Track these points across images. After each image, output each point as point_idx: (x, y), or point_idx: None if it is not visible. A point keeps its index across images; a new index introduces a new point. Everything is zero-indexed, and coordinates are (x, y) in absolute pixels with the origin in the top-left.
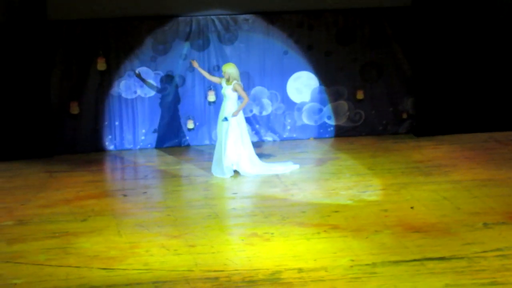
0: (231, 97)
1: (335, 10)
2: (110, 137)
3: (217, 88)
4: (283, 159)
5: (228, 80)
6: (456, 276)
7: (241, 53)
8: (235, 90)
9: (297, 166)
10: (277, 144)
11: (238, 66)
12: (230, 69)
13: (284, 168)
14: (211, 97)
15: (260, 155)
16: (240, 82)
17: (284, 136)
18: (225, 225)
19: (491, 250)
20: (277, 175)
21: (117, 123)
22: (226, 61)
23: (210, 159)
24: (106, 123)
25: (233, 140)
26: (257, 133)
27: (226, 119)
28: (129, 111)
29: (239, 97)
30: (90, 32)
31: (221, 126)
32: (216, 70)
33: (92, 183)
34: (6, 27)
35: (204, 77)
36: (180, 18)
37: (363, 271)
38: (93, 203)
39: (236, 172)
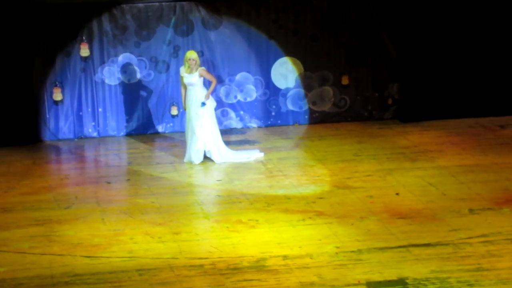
0: (198, 84)
1: None
2: (93, 123)
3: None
4: (268, 145)
5: (189, 68)
6: (441, 262)
7: (225, 39)
8: (201, 75)
9: (262, 154)
10: (262, 131)
11: (223, 52)
12: (195, 55)
13: (249, 155)
14: None
15: (246, 142)
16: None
17: (269, 122)
18: (210, 212)
19: (477, 236)
20: (262, 161)
21: (100, 109)
22: (210, 46)
23: None
24: (89, 109)
25: (210, 125)
26: (241, 119)
27: (204, 104)
28: (112, 98)
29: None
30: (73, 17)
31: (193, 113)
32: (200, 56)
33: (75, 170)
34: None
35: None
36: (164, 4)
37: (348, 257)
38: (76, 190)
39: (205, 158)
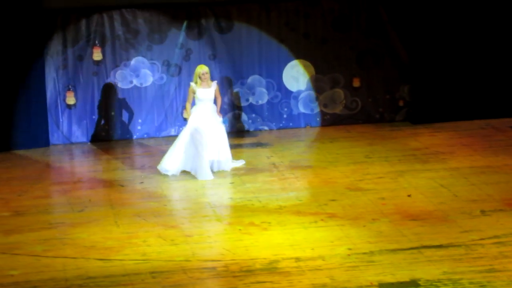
0: (212, 98)
1: None
2: (106, 127)
3: (213, 77)
4: (280, 148)
5: (204, 82)
6: (454, 264)
7: (237, 42)
8: (215, 90)
9: (243, 162)
10: (273, 133)
11: (234, 55)
12: (207, 68)
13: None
14: None
15: (257, 144)
16: None
17: (281, 125)
18: (222, 215)
19: (489, 238)
20: (274, 164)
21: (113, 113)
22: (222, 50)
23: None
24: (102, 113)
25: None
26: (253, 122)
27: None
28: (125, 101)
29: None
30: (86, 21)
31: (210, 128)
32: (211, 59)
33: (89, 173)
34: (0, 15)
35: None
36: (176, 7)
37: (360, 259)
38: (90, 193)
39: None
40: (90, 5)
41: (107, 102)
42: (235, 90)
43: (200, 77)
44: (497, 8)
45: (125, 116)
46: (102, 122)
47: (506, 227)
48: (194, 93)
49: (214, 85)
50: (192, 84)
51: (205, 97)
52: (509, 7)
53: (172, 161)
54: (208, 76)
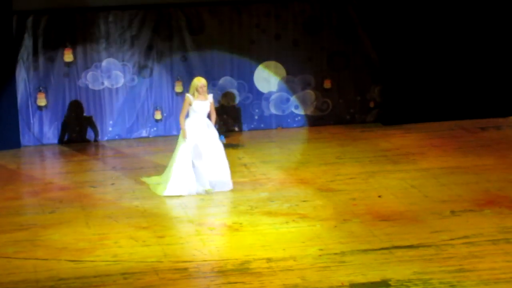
0: (207, 112)
1: None
2: (77, 128)
3: (184, 79)
4: (251, 149)
5: (201, 95)
6: (424, 264)
7: (208, 43)
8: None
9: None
10: (245, 134)
11: (205, 56)
12: (205, 81)
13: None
14: (179, 87)
15: (229, 146)
16: None
17: (252, 126)
18: (194, 216)
19: (459, 238)
20: (245, 165)
21: (84, 114)
22: (193, 51)
23: None
24: (73, 114)
25: None
26: (225, 123)
27: (223, 137)
28: (96, 103)
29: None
30: (57, 23)
31: (207, 142)
32: (182, 61)
33: (60, 174)
34: None
35: (172, 68)
36: (147, 8)
37: (332, 260)
38: (61, 195)
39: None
40: (61, 7)
41: (78, 104)
42: None
43: (197, 90)
44: (466, 10)
45: (96, 117)
46: (73, 123)
47: (475, 227)
48: (190, 105)
49: (210, 98)
50: (189, 95)
51: (201, 110)
52: (478, 9)
53: (185, 182)
54: (206, 89)
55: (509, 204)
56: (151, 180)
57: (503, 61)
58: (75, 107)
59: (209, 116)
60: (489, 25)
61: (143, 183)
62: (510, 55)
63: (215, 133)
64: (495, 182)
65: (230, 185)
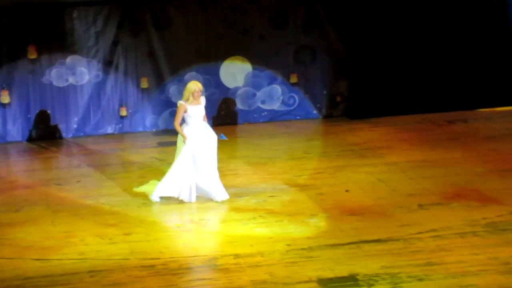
0: (203, 115)
1: None
2: (42, 126)
3: (149, 75)
4: (218, 144)
5: (196, 99)
6: (392, 258)
7: (174, 39)
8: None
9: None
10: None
11: (172, 52)
12: (201, 85)
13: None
14: (144, 83)
15: None
16: None
17: (219, 121)
18: (161, 212)
19: (426, 231)
20: None
21: (49, 111)
22: (159, 46)
23: (145, 146)
24: (37, 111)
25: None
26: None
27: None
28: (61, 100)
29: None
30: (20, 19)
31: (208, 147)
32: (148, 56)
33: (25, 172)
34: None
35: (137, 64)
36: (112, 4)
37: (299, 255)
38: (26, 193)
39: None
40: (24, 2)
41: (43, 101)
42: (172, 87)
43: (193, 95)
44: (432, 5)
45: (61, 114)
46: (38, 121)
47: (443, 220)
48: (185, 111)
49: (203, 101)
50: (182, 102)
51: (197, 114)
52: (444, 4)
53: (171, 185)
54: (201, 93)
55: (476, 197)
56: (148, 189)
57: (469, 54)
58: (40, 104)
59: None
60: (455, 18)
61: (109, 180)
62: (476, 49)
63: (213, 135)
64: (462, 175)
65: (218, 196)
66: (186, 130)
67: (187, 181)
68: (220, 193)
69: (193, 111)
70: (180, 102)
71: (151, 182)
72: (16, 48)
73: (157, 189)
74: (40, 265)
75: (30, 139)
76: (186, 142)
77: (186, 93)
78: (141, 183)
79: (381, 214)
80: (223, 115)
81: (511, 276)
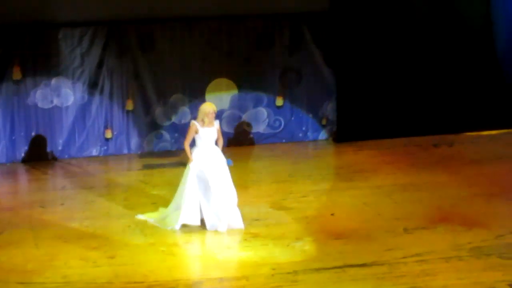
0: (215, 139)
1: (254, 16)
2: (26, 148)
3: (134, 97)
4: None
5: (209, 122)
6: (377, 282)
7: (159, 60)
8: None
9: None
10: None
11: (158, 74)
12: (215, 107)
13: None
14: (129, 105)
15: (180, 164)
16: None
17: None
18: (145, 235)
19: (411, 256)
20: None
21: (33, 133)
22: (144, 68)
23: (130, 168)
24: (22, 133)
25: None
26: (176, 141)
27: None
28: (46, 121)
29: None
30: (5, 40)
31: (219, 171)
32: (134, 78)
33: (8, 194)
34: None
35: (122, 85)
36: (98, 26)
37: (284, 279)
38: (9, 215)
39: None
40: (8, 23)
41: (27, 122)
42: (158, 109)
43: (207, 116)
44: (418, 28)
45: (46, 136)
46: (22, 142)
47: (428, 244)
48: (197, 133)
49: (217, 124)
50: (196, 122)
51: (209, 138)
52: (430, 28)
53: (192, 213)
54: (215, 115)
55: (461, 221)
56: (154, 215)
57: (455, 78)
58: (24, 125)
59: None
60: (441, 42)
61: (93, 202)
62: (462, 72)
63: (223, 160)
64: (448, 199)
65: (224, 226)
66: (195, 152)
67: (193, 204)
68: (235, 221)
69: (204, 133)
70: (193, 122)
71: (159, 210)
72: (1, 69)
73: (180, 219)
74: None
75: (13, 161)
76: (190, 165)
77: (200, 115)
78: (126, 206)
79: (366, 238)
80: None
81: None
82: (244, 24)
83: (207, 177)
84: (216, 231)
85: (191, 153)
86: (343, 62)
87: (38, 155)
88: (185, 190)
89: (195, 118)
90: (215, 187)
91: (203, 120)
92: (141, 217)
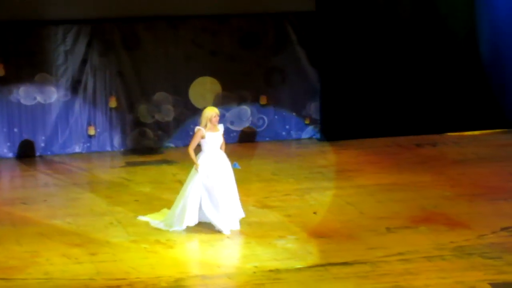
0: (220, 143)
1: (239, 15)
2: (8, 144)
3: (118, 94)
4: (186, 165)
5: (214, 126)
6: (359, 281)
7: (143, 59)
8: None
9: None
10: (180, 150)
11: (141, 71)
12: (218, 110)
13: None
14: (113, 103)
15: (164, 162)
16: None
17: (187, 142)
18: (128, 232)
19: (394, 255)
20: (179, 181)
21: (16, 130)
22: (128, 66)
23: (113, 165)
24: (4, 130)
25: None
26: (159, 139)
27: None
28: (28, 118)
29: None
30: None
31: (226, 175)
32: (117, 76)
33: None
34: None
35: (106, 83)
36: (82, 23)
37: (266, 277)
38: None
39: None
40: None
41: (10, 119)
42: (141, 106)
43: (211, 121)
44: (403, 28)
45: (28, 133)
46: (5, 139)
47: (411, 244)
48: (203, 138)
49: (221, 128)
50: (201, 128)
51: (214, 142)
52: (415, 29)
53: (192, 215)
54: (218, 118)
55: (444, 221)
56: (156, 217)
57: (439, 79)
58: (7, 122)
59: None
60: (424, 43)
61: (76, 199)
62: (445, 73)
63: (228, 165)
64: (431, 199)
65: (237, 226)
66: (202, 157)
67: (196, 207)
68: (235, 223)
69: (211, 138)
70: (198, 127)
71: (162, 211)
72: None
73: (176, 221)
74: (4, 285)
75: None
76: (199, 169)
77: (203, 120)
78: (108, 203)
79: (349, 237)
80: (192, 136)
81: None
82: (229, 23)
83: (214, 183)
84: (199, 229)
85: (196, 158)
86: (327, 62)
87: (21, 152)
88: (190, 192)
89: (198, 124)
90: (221, 192)
91: (206, 125)
92: (143, 218)
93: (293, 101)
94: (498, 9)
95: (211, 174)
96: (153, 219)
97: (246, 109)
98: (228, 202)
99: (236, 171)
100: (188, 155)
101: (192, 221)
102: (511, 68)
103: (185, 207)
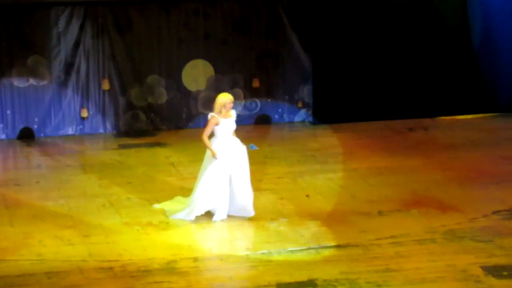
0: (234, 129)
1: None
2: (1, 126)
3: (110, 77)
4: (179, 148)
5: (227, 112)
6: (351, 264)
7: (136, 42)
8: None
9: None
10: (172, 133)
11: (134, 54)
12: (232, 96)
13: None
14: (105, 85)
15: (156, 144)
16: None
17: (180, 125)
18: (120, 215)
19: (385, 238)
20: (172, 164)
21: (9, 111)
22: (121, 49)
23: (105, 147)
24: None
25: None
26: (152, 122)
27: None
28: (21, 100)
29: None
30: None
31: (242, 161)
32: (110, 58)
33: None
34: None
35: (99, 65)
36: (75, 5)
37: (259, 259)
38: None
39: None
40: None
41: (3, 101)
42: (134, 89)
43: (225, 107)
44: (395, 12)
45: (21, 115)
46: None
47: (402, 227)
48: (217, 124)
49: (234, 114)
50: (215, 115)
51: (228, 128)
52: (407, 12)
53: (222, 207)
54: (232, 105)
55: (436, 204)
56: (171, 206)
57: (431, 63)
58: (0, 104)
59: None
60: (417, 27)
61: (69, 181)
62: (437, 57)
63: (244, 151)
64: (422, 183)
65: (251, 212)
66: (215, 144)
67: (222, 198)
68: (249, 210)
69: (225, 124)
70: (212, 114)
71: (175, 198)
72: None
73: (194, 210)
74: None
75: None
76: (218, 157)
77: (217, 106)
78: (101, 185)
79: (340, 220)
80: (185, 118)
81: (468, 284)
82: (221, 7)
83: (230, 169)
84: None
85: (211, 145)
86: (320, 46)
87: (14, 134)
88: (208, 179)
89: (212, 110)
90: (241, 178)
91: (220, 111)
92: (158, 206)
93: (285, 85)
94: None
95: (228, 161)
96: (170, 209)
97: (239, 92)
98: (243, 188)
99: None
100: (202, 141)
101: (210, 206)
102: (502, 52)
103: (204, 193)
